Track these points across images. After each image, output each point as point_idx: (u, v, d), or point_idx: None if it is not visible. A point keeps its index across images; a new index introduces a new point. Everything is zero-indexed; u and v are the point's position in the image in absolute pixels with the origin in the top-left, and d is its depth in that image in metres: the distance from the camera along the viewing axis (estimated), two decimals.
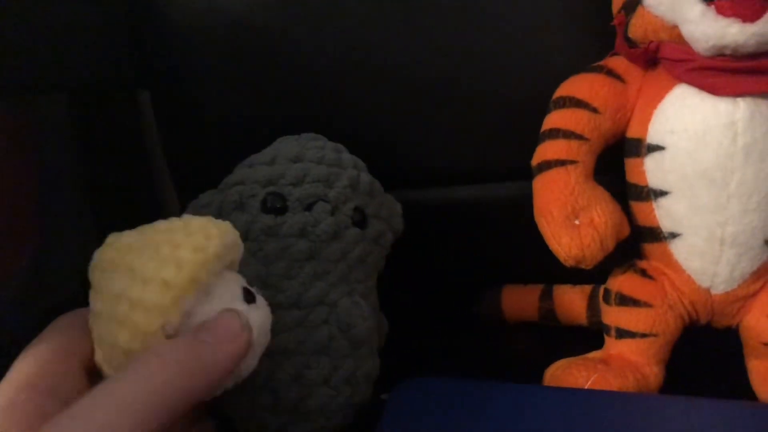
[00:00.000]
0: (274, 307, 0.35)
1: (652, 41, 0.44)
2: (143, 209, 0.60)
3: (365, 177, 0.46)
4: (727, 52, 0.40)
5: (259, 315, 0.32)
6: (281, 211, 0.43)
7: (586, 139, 0.45)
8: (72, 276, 0.46)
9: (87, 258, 0.31)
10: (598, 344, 0.49)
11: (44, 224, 0.48)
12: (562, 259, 0.44)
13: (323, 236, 0.42)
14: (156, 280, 0.28)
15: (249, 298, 0.32)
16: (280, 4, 0.51)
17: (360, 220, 0.44)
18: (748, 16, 0.38)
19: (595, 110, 0.45)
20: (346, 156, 0.47)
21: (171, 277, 0.28)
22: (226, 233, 0.32)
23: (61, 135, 0.51)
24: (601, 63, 0.47)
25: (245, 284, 0.33)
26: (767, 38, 0.39)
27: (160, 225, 0.31)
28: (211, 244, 0.30)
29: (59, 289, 0.47)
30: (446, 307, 0.58)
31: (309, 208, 0.43)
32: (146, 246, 0.29)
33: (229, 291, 0.32)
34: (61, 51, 0.47)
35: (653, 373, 0.45)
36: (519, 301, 0.55)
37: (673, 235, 0.44)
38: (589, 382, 0.43)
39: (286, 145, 0.46)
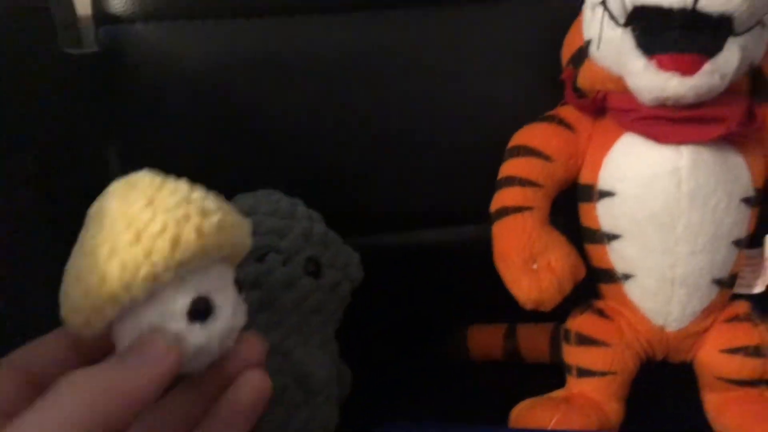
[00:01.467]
0: None
1: (599, 91, 0.46)
2: None
3: (319, 228, 0.47)
4: (669, 103, 0.42)
5: (203, 335, 0.27)
6: None
7: (541, 186, 0.47)
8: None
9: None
10: (562, 380, 0.50)
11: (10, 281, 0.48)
12: (521, 303, 0.45)
13: (275, 286, 0.43)
14: (95, 274, 0.25)
15: (196, 315, 0.27)
16: (243, 64, 0.53)
17: (314, 270, 0.45)
18: (687, 69, 0.41)
19: (548, 158, 0.47)
20: (301, 209, 0.48)
21: (92, 289, 0.25)
22: (183, 244, 0.26)
23: (28, 189, 0.51)
24: (553, 113, 0.49)
25: (204, 293, 0.27)
26: (706, 90, 0.41)
27: (163, 185, 0.28)
28: (146, 263, 0.25)
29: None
30: (412, 349, 0.58)
31: (261, 259, 0.44)
32: (120, 217, 0.26)
33: (176, 303, 0.26)
34: (28, 111, 0.48)
35: (614, 410, 0.46)
36: (484, 340, 0.57)
37: (627, 277, 0.46)
38: (553, 422, 0.44)
39: (240, 200, 0.48)
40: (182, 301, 0.26)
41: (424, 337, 0.59)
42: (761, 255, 0.46)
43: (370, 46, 0.53)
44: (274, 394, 0.41)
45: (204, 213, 0.27)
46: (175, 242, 0.25)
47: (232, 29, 0.52)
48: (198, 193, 0.28)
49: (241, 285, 0.29)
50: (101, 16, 0.52)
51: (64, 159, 0.53)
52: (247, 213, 0.46)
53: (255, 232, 0.44)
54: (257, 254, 0.44)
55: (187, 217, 0.26)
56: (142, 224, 0.25)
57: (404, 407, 0.51)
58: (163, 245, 0.25)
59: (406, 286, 0.58)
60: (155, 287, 0.26)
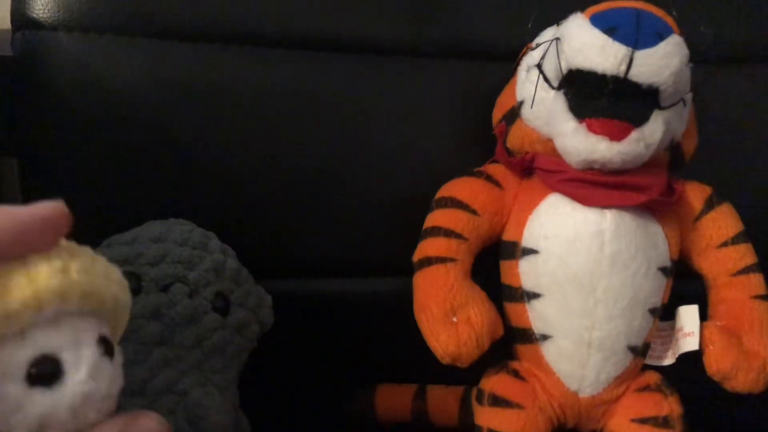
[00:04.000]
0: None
1: (528, 152, 0.47)
2: None
3: (232, 263, 0.45)
4: (596, 166, 0.43)
5: (47, 401, 0.22)
6: (135, 291, 0.41)
7: (465, 239, 0.46)
8: None
9: None
10: None
11: None
12: (439, 356, 0.43)
13: (177, 319, 0.41)
14: None
15: (36, 378, 0.22)
16: (166, 88, 0.50)
17: (222, 306, 0.43)
18: (615, 135, 0.42)
19: (474, 212, 0.47)
20: (215, 242, 0.46)
21: None
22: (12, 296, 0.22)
23: None
24: (482, 168, 0.49)
25: (50, 351, 0.22)
26: (632, 157, 0.43)
27: None
28: None
29: None
30: (317, 406, 0.55)
31: (165, 289, 0.41)
32: None
33: (12, 362, 0.22)
34: None
35: None
36: (392, 400, 0.54)
37: (545, 337, 0.46)
38: None
39: (150, 227, 0.45)
40: (20, 360, 0.22)
41: (330, 393, 0.56)
42: (672, 327, 0.47)
43: (304, 86, 0.52)
44: None
45: (71, 257, 0.23)
46: (32, 280, 0.22)
47: (161, 51, 0.50)
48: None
49: (110, 343, 0.24)
50: (21, 20, 0.49)
51: None
52: (155, 240, 0.44)
53: (162, 260, 0.43)
54: (161, 284, 0.42)
55: (48, 259, 0.23)
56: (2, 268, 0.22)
57: None
58: (20, 283, 0.22)
59: (316, 337, 0.55)
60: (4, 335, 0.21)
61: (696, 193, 0.48)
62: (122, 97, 0.50)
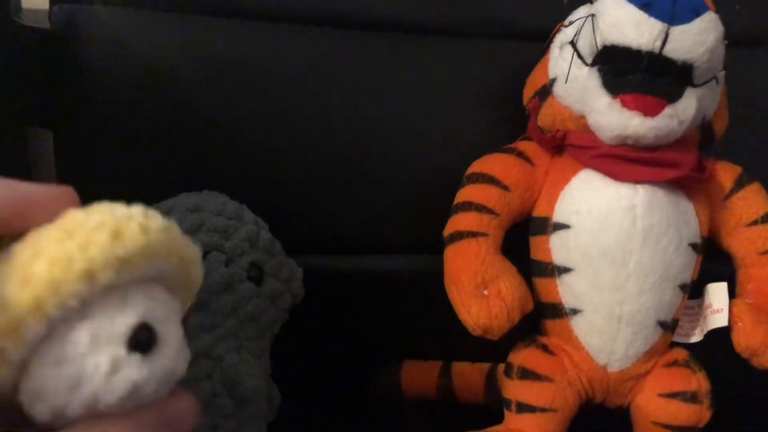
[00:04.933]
0: None
1: (559, 130, 0.47)
2: None
3: (265, 234, 0.46)
4: (629, 142, 0.44)
5: (143, 370, 0.21)
6: None
7: (497, 214, 0.47)
8: None
9: None
10: (495, 423, 0.48)
11: None
12: (470, 328, 0.44)
13: (214, 287, 0.41)
14: (13, 279, 0.20)
15: (138, 343, 0.21)
16: (204, 65, 0.51)
17: (256, 276, 0.44)
18: (649, 111, 0.42)
19: (506, 188, 0.47)
20: (249, 213, 0.46)
21: (11, 297, 0.20)
22: (126, 237, 0.21)
23: None
24: (513, 145, 0.49)
25: (150, 320, 0.22)
26: (665, 132, 0.43)
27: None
28: (81, 257, 0.20)
29: None
30: (345, 381, 0.56)
31: (203, 257, 0.42)
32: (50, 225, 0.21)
33: (114, 323, 0.21)
34: None
35: None
36: (418, 377, 0.55)
37: (575, 312, 0.46)
38: None
39: (185, 198, 0.46)
40: (123, 323, 0.21)
41: (356, 369, 0.56)
42: (700, 305, 0.47)
43: (337, 65, 0.53)
44: (202, 400, 0.38)
45: (148, 214, 0.22)
46: (116, 235, 0.21)
47: (196, 27, 0.51)
48: (141, 207, 0.23)
49: (187, 328, 0.24)
50: None
51: None
52: (192, 210, 0.45)
53: (199, 230, 0.43)
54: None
55: (129, 216, 0.22)
56: (76, 223, 0.21)
57: None
58: (101, 238, 0.20)
59: (343, 313, 0.56)
60: (92, 294, 0.20)
61: (726, 172, 0.48)
62: (157, 72, 0.50)
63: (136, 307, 0.21)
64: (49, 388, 0.20)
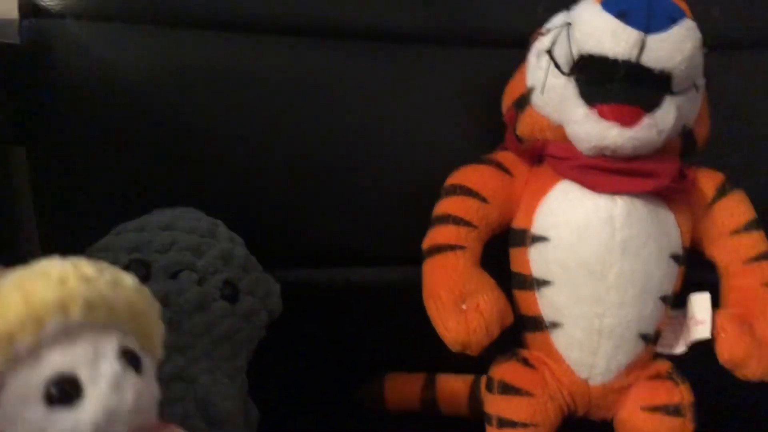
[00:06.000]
0: None
1: (538, 140, 0.46)
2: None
3: (240, 251, 0.45)
4: (608, 152, 0.43)
5: (68, 422, 0.22)
6: (144, 279, 0.41)
7: (475, 227, 0.46)
8: None
9: None
10: None
11: None
12: (448, 344, 0.43)
13: (186, 306, 0.41)
14: None
15: (55, 398, 0.22)
16: (177, 75, 0.50)
17: (230, 294, 0.43)
18: (627, 121, 0.42)
19: (484, 200, 0.47)
20: (223, 230, 0.45)
21: None
22: (37, 301, 0.22)
23: None
24: (491, 156, 0.49)
25: (67, 370, 0.22)
26: (643, 143, 0.42)
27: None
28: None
29: None
30: (326, 394, 0.55)
31: (174, 276, 0.41)
32: None
33: (30, 384, 0.22)
34: None
35: None
36: (401, 389, 0.54)
37: (555, 325, 0.45)
38: None
39: (158, 215, 0.45)
40: (37, 382, 0.22)
41: (339, 382, 0.56)
42: (684, 315, 0.47)
43: (313, 74, 0.52)
44: (174, 422, 0.38)
45: (74, 267, 0.23)
46: (27, 295, 0.21)
47: (169, 39, 0.50)
48: (44, 263, 0.23)
49: (135, 356, 0.24)
50: (28, 7, 0.49)
51: None
52: (164, 228, 0.44)
53: (171, 248, 0.43)
54: (171, 271, 0.42)
55: (45, 273, 0.22)
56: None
57: None
58: (14, 300, 0.21)
59: (324, 326, 0.55)
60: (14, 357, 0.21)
61: (708, 180, 0.48)
62: (129, 86, 0.50)
63: (51, 359, 0.22)
64: None
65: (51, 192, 0.51)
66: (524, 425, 0.45)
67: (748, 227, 0.47)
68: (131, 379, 0.23)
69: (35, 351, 0.21)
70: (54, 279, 0.22)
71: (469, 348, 0.43)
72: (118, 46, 0.50)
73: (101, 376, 0.22)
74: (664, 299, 0.45)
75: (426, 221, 0.48)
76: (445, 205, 0.47)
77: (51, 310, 0.22)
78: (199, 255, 0.43)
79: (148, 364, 0.25)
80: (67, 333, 0.22)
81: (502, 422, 0.45)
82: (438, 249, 0.46)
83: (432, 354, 0.48)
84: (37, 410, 0.21)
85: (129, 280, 0.25)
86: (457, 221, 0.46)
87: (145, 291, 0.25)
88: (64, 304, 0.22)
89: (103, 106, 0.50)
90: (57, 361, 0.22)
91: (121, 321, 0.24)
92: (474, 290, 0.44)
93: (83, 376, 0.22)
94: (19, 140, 0.51)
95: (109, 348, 0.23)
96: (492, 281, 0.45)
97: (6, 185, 0.53)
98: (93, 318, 0.23)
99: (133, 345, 0.24)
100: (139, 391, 0.23)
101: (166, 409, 0.37)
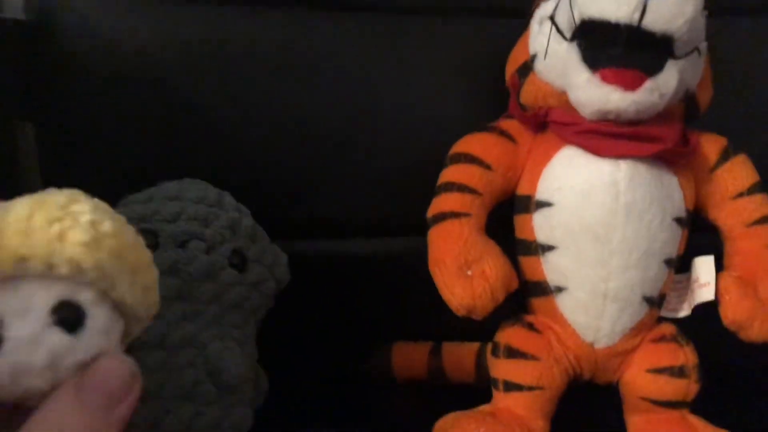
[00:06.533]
0: (136, 346, 0.31)
1: (541, 107, 0.47)
2: None
3: (247, 221, 0.45)
4: (610, 117, 0.43)
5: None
6: (152, 248, 0.41)
7: (479, 194, 0.46)
8: None
9: None
10: (486, 402, 0.48)
11: None
12: (454, 309, 0.44)
13: (195, 274, 0.41)
14: None
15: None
16: (182, 49, 0.51)
17: (238, 263, 0.43)
18: (629, 85, 0.42)
19: (488, 167, 0.47)
20: (229, 199, 0.46)
21: None
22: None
23: None
24: (495, 124, 0.49)
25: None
26: (645, 107, 0.42)
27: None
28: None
29: None
30: (334, 364, 0.56)
31: (182, 245, 0.42)
32: None
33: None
34: None
35: (539, 427, 0.45)
36: (409, 357, 0.55)
37: (559, 289, 0.46)
38: None
39: (166, 186, 0.45)
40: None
41: (347, 351, 0.56)
42: (688, 279, 0.47)
43: (316, 46, 0.52)
44: (185, 388, 0.38)
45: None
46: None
47: (174, 13, 0.51)
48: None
49: (71, 313, 0.24)
50: None
51: None
52: (171, 198, 0.44)
53: (179, 218, 0.43)
54: (179, 240, 0.42)
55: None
56: None
57: (321, 422, 0.49)
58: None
59: (332, 297, 0.56)
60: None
61: (711, 144, 0.48)
62: (135, 60, 0.50)
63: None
64: None
65: (58, 166, 0.51)
66: (530, 388, 0.45)
67: (752, 190, 0.47)
68: (56, 337, 0.23)
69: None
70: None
71: (474, 313, 0.43)
72: (123, 20, 0.50)
73: (21, 329, 0.23)
74: (668, 262, 0.45)
75: (430, 191, 0.49)
76: (449, 173, 0.47)
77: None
78: (206, 224, 0.43)
79: (103, 316, 0.24)
80: (13, 282, 0.23)
81: (509, 386, 0.46)
82: (443, 216, 0.46)
83: (438, 323, 0.48)
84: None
85: (81, 234, 0.23)
86: (462, 189, 0.46)
87: (115, 247, 0.24)
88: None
89: (109, 80, 0.50)
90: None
91: (72, 273, 0.23)
92: (479, 256, 0.44)
93: (8, 324, 0.22)
94: (27, 116, 0.52)
95: (43, 301, 0.23)
96: (497, 248, 0.46)
97: (14, 160, 0.53)
98: (25, 269, 0.23)
99: (82, 299, 0.24)
100: (58, 350, 0.23)
101: (176, 375, 0.38)
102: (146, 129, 0.51)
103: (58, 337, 0.23)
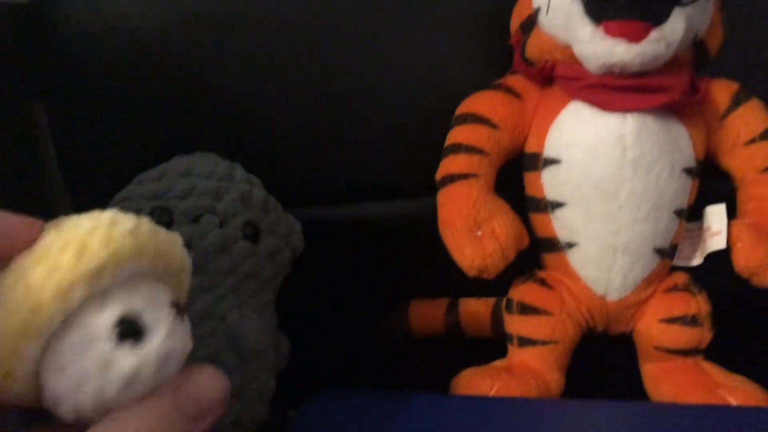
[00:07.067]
0: None
1: (547, 61, 0.46)
2: None
3: (259, 192, 0.46)
4: (616, 70, 0.43)
5: (134, 358, 0.23)
6: (167, 225, 0.42)
7: (487, 154, 0.46)
8: None
9: None
10: (503, 355, 0.50)
11: None
12: (464, 269, 0.44)
13: (210, 248, 0.42)
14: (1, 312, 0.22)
15: (124, 335, 0.23)
16: (183, 22, 0.50)
17: (252, 234, 0.44)
18: (633, 36, 0.41)
19: (494, 126, 0.47)
20: (240, 172, 0.47)
21: (6, 318, 0.22)
22: (89, 254, 0.23)
23: None
24: (500, 81, 0.49)
25: (132, 312, 0.24)
26: (651, 58, 0.42)
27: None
28: (78, 264, 0.23)
29: None
30: (352, 324, 0.57)
31: (196, 220, 0.43)
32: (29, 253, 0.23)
33: (98, 322, 0.23)
34: None
35: (554, 380, 0.46)
36: (426, 314, 0.56)
37: (570, 245, 0.46)
38: (494, 390, 0.44)
39: (176, 162, 0.46)
40: (106, 320, 0.23)
41: (364, 312, 0.58)
42: (700, 228, 0.47)
43: (320, 6, 0.52)
44: (208, 358, 0.40)
45: (113, 222, 0.24)
46: (80, 252, 0.23)
47: None
48: (109, 213, 0.25)
49: (181, 307, 0.26)
50: None
51: None
52: (183, 174, 0.45)
53: (191, 193, 0.44)
54: (192, 215, 0.43)
55: (92, 230, 0.23)
56: (45, 247, 0.23)
57: (345, 381, 0.50)
58: (66, 257, 0.23)
59: (349, 261, 0.57)
60: (69, 307, 0.23)
61: (722, 90, 0.47)
62: (140, 36, 0.50)
63: (118, 302, 0.24)
64: (60, 392, 0.23)
65: (72, 145, 0.52)
66: (544, 342, 0.46)
67: (764, 135, 0.46)
68: (181, 326, 0.25)
69: (107, 292, 0.23)
70: (128, 229, 0.24)
71: (485, 272, 0.44)
72: None
73: (161, 319, 0.24)
74: (678, 213, 0.45)
75: (440, 151, 0.49)
76: (455, 135, 0.47)
77: (130, 254, 0.24)
78: (218, 198, 0.44)
79: (186, 316, 0.27)
80: (133, 279, 0.24)
81: (523, 341, 0.47)
82: (451, 178, 0.46)
83: (453, 281, 0.49)
84: (105, 346, 0.23)
85: (179, 239, 0.27)
86: (469, 150, 0.46)
87: (186, 252, 0.27)
88: (140, 251, 0.24)
89: (115, 57, 0.50)
90: (125, 303, 0.24)
91: (172, 274, 0.26)
92: (488, 216, 0.45)
93: (147, 319, 0.24)
94: (38, 97, 0.52)
95: (163, 298, 0.25)
96: (506, 206, 0.46)
97: (32, 141, 0.54)
98: (155, 267, 0.25)
99: (175, 296, 0.26)
100: (185, 337, 0.25)
101: (197, 346, 0.40)
102: (155, 103, 0.52)
103: (183, 327, 0.25)
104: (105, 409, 0.23)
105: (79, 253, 0.23)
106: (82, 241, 0.23)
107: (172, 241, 0.26)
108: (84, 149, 0.52)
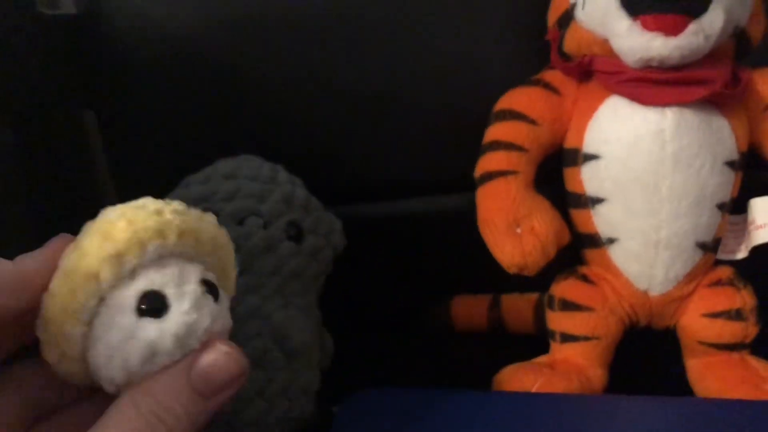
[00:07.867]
0: None
1: (585, 55, 0.46)
2: None
3: (301, 192, 0.47)
4: (654, 64, 0.42)
5: (154, 330, 0.25)
6: None
7: (526, 150, 0.47)
8: None
9: None
10: (546, 350, 0.50)
11: None
12: (505, 267, 0.45)
13: (255, 250, 0.43)
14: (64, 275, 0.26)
15: (148, 306, 0.25)
16: (224, 27, 0.52)
17: (295, 234, 0.45)
18: (671, 30, 0.41)
19: (533, 122, 0.47)
20: (283, 174, 0.48)
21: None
22: (136, 224, 0.25)
23: (5, 157, 0.51)
24: (538, 76, 0.49)
25: (157, 287, 0.26)
26: (689, 51, 0.41)
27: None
28: (103, 247, 0.25)
29: None
30: (395, 320, 0.58)
31: (241, 222, 0.44)
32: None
33: (125, 296, 0.26)
34: (2, 75, 0.47)
35: (597, 375, 0.46)
36: (468, 311, 0.56)
37: (611, 241, 0.46)
38: (536, 386, 0.44)
39: (221, 165, 0.47)
40: (131, 295, 0.26)
41: (407, 308, 0.58)
42: (744, 220, 0.46)
43: (352, 8, 0.52)
44: (255, 357, 0.41)
45: (139, 206, 0.26)
46: (105, 236, 0.25)
47: None
48: (142, 199, 0.27)
49: (213, 285, 0.28)
50: None
51: (42, 128, 0.52)
52: (227, 177, 0.46)
53: (235, 196, 0.45)
54: (237, 218, 0.44)
55: (120, 215, 0.26)
56: (80, 237, 0.26)
57: (387, 377, 0.51)
58: (93, 242, 0.25)
59: (390, 257, 0.57)
60: (99, 287, 0.25)
61: (765, 80, 0.46)
62: (184, 42, 0.52)
63: (142, 280, 0.26)
64: (99, 366, 0.26)
65: (121, 151, 0.54)
66: (586, 338, 0.46)
67: None
68: (210, 303, 0.27)
69: (135, 270, 0.26)
70: (152, 210, 0.26)
71: (526, 269, 0.44)
72: (167, 3, 0.51)
73: (185, 294, 0.26)
74: (720, 207, 0.45)
75: (474, 146, 0.49)
76: (494, 131, 0.48)
77: (152, 235, 0.26)
78: (262, 200, 0.45)
79: (224, 296, 0.28)
80: (161, 257, 0.26)
81: (565, 337, 0.47)
82: (489, 176, 0.46)
83: (495, 277, 0.49)
84: (130, 319, 0.25)
85: (212, 217, 0.29)
86: (508, 146, 0.47)
87: (224, 229, 0.29)
88: (162, 231, 0.26)
89: (161, 64, 0.52)
90: (150, 279, 0.26)
91: (205, 253, 0.28)
92: (528, 213, 0.45)
93: (170, 294, 0.26)
94: (88, 104, 0.54)
95: (193, 275, 0.27)
96: (546, 202, 0.46)
97: (84, 148, 0.56)
98: (183, 246, 0.27)
99: (211, 278, 0.28)
100: (214, 315, 0.27)
101: (245, 345, 0.41)
102: (200, 108, 0.53)
103: (212, 304, 0.27)
104: (133, 382, 0.26)
105: (103, 238, 0.25)
106: (108, 225, 0.26)
107: (200, 221, 0.28)
108: (133, 153, 0.54)
